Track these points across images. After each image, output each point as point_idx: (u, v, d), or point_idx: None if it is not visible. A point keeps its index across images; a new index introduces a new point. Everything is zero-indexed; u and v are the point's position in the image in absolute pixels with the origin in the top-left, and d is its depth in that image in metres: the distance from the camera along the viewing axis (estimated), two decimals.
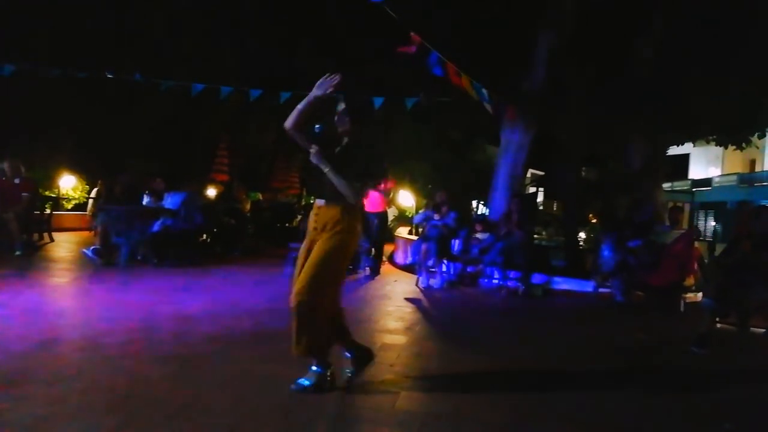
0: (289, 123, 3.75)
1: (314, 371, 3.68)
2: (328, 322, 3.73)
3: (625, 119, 11.17)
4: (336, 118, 3.86)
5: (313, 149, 3.71)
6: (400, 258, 12.00)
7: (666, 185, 15.33)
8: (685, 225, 9.02)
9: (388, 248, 11.89)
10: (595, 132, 12.35)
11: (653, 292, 8.07)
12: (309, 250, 3.72)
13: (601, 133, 12.47)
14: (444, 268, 9.24)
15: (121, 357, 4.11)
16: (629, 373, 4.78)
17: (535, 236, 9.96)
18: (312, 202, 4.06)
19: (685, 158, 21.85)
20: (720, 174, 21.94)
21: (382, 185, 10.31)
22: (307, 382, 3.65)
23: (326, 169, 3.68)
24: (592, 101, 11.08)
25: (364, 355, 3.96)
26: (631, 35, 11.03)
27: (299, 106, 3.72)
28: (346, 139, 3.86)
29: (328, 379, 3.71)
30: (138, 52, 14.51)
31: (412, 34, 8.00)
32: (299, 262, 3.76)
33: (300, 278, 3.62)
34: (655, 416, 3.72)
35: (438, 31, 9.79)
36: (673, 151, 14.47)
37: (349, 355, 3.91)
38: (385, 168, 4.90)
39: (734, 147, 13.78)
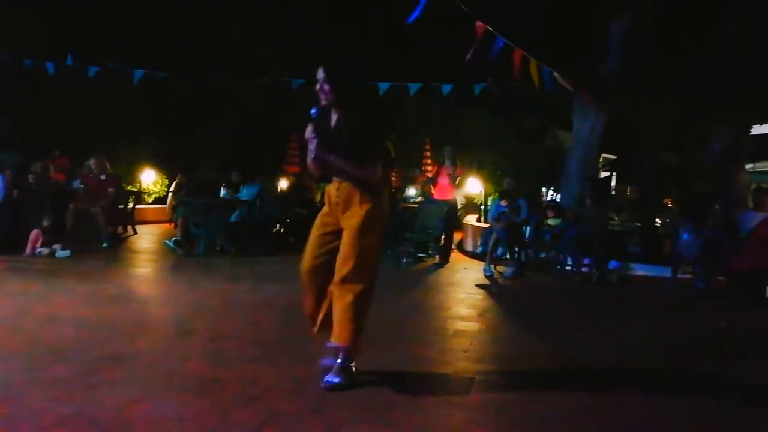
0: (316, 173, 3.77)
1: (343, 365, 3.49)
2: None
3: (709, 108, 10.72)
4: (317, 87, 3.55)
5: (312, 146, 3.56)
6: (469, 245, 11.96)
7: (749, 166, 14.59)
8: None
9: (457, 236, 11.87)
10: (674, 117, 11.92)
11: (736, 278, 7.75)
12: (326, 224, 3.62)
13: (680, 118, 12.01)
14: (515, 256, 9.15)
15: (206, 342, 4.30)
16: (710, 363, 4.62)
17: (610, 221, 9.70)
18: None
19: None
20: None
21: (452, 172, 10.30)
22: (337, 379, 3.42)
23: (332, 159, 3.53)
24: (669, 85, 10.70)
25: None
26: (715, 16, 10.55)
27: (310, 160, 3.66)
28: (337, 116, 3.60)
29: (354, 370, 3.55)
30: (215, 54, 14.99)
31: (477, 22, 7.93)
32: (313, 234, 3.66)
33: (343, 263, 3.46)
34: (732, 409, 3.61)
35: (509, 16, 9.67)
36: (756, 130, 13.75)
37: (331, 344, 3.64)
38: (387, 144, 4.55)
39: None
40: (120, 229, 11.58)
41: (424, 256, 9.89)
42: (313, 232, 3.69)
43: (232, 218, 9.82)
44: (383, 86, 11.13)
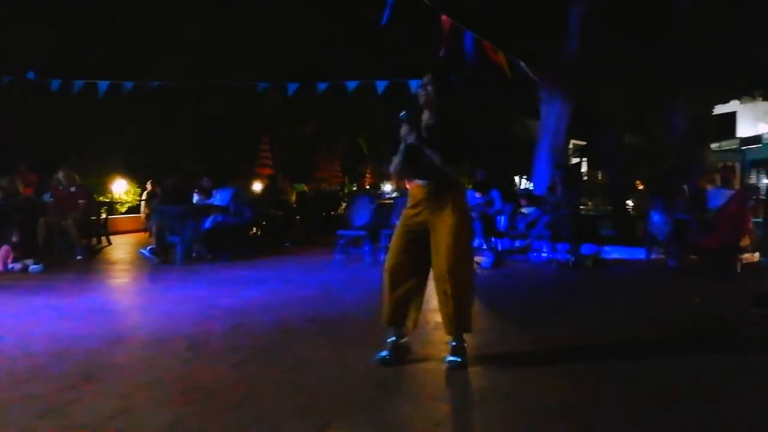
0: (399, 176, 4.14)
1: (459, 345, 3.82)
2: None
3: (667, 80, 10.93)
4: (420, 90, 3.98)
5: (407, 133, 3.85)
6: None
7: (714, 145, 14.90)
8: (736, 185, 8.82)
9: None
10: (637, 97, 12.11)
11: (708, 255, 7.94)
12: (416, 222, 3.87)
13: (643, 98, 12.22)
14: (491, 246, 9.25)
15: (185, 350, 4.28)
16: (687, 339, 4.74)
17: (582, 206, 9.86)
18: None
19: (732, 117, 21.14)
20: None
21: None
22: (459, 359, 3.77)
23: (428, 151, 3.81)
24: (631, 65, 10.86)
25: (402, 349, 3.97)
26: None
27: (398, 161, 3.94)
28: (434, 115, 3.94)
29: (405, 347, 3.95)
30: (179, 57, 14.86)
31: (443, 16, 7.98)
32: (401, 228, 3.93)
33: (446, 257, 3.75)
34: (712, 378, 3.71)
35: (468, 6, 9.73)
36: (719, 110, 14.03)
37: (394, 339, 3.94)
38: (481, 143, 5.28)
39: None
40: (94, 240, 11.43)
41: None
42: (397, 232, 3.96)
43: (207, 224, 9.76)
44: (351, 85, 11.13)
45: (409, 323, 3.96)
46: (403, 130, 3.88)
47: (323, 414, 3.06)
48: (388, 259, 3.95)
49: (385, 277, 3.92)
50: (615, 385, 3.58)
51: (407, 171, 4.00)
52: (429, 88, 3.93)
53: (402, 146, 3.92)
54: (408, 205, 4.01)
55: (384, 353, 3.89)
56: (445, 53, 8.49)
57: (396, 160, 3.97)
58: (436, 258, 3.83)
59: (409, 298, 3.92)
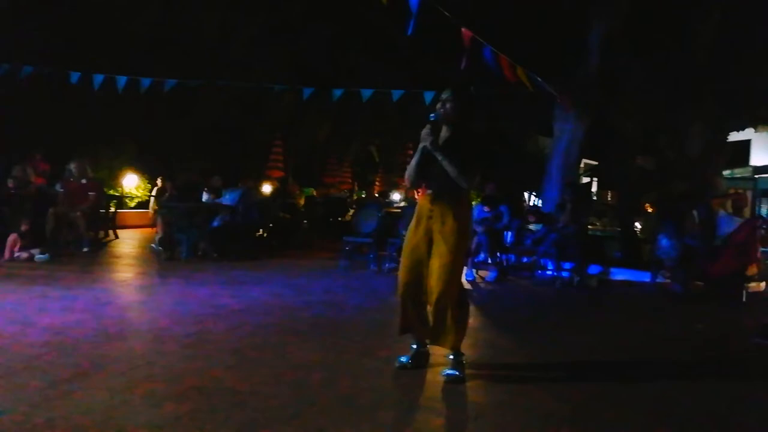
0: (411, 180, 4.07)
1: (457, 359, 3.85)
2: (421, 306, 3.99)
3: (683, 105, 10.91)
4: (439, 104, 3.99)
5: (426, 136, 3.86)
6: None
7: (726, 172, 14.83)
8: (747, 213, 8.78)
9: None
10: (652, 119, 12.09)
11: (714, 282, 7.89)
12: (423, 237, 3.91)
13: (657, 120, 12.19)
14: (497, 261, 9.22)
15: (185, 348, 4.28)
16: (688, 365, 4.71)
17: (590, 226, 9.83)
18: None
19: (746, 144, 21.05)
20: None
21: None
22: (456, 372, 3.79)
23: (440, 157, 3.83)
24: (648, 88, 10.85)
25: (422, 357, 4.07)
26: (687, 17, 10.74)
27: (413, 163, 3.97)
28: (452, 128, 3.98)
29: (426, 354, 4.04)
30: (195, 57, 14.97)
31: (463, 29, 7.99)
32: (408, 246, 3.97)
33: (439, 276, 3.78)
34: (711, 406, 3.68)
35: (489, 23, 9.75)
36: (734, 137, 13.97)
37: (416, 347, 4.04)
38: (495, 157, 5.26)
39: None
40: (101, 233, 11.50)
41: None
42: (405, 248, 4.01)
43: (215, 223, 9.79)
44: (366, 93, 11.15)
45: (426, 338, 4.02)
46: (424, 133, 3.88)
47: (318, 419, 3.06)
48: (400, 276, 4.01)
49: (398, 297, 4.01)
50: (612, 405, 3.55)
51: (421, 177, 4.01)
52: (449, 104, 3.95)
53: (420, 148, 3.94)
54: (417, 214, 4.03)
55: (404, 358, 3.99)
56: (467, 65, 8.49)
57: (411, 164, 4.01)
58: (431, 272, 3.86)
59: (423, 315, 4.00)
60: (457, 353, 3.88)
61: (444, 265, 3.79)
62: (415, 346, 4.04)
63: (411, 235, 4.00)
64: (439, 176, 3.88)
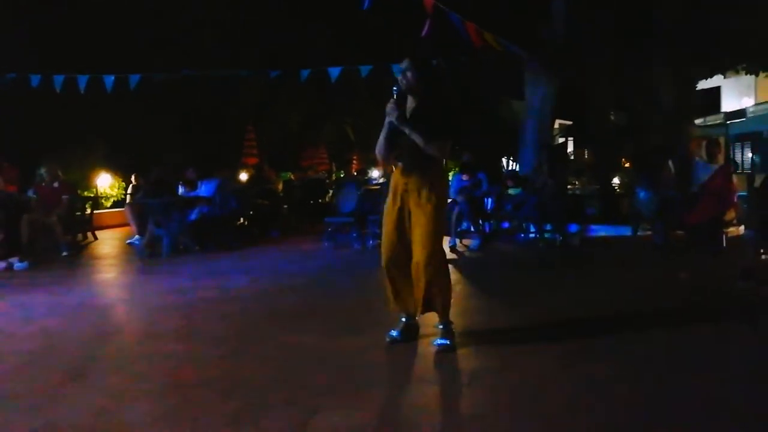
0: (382, 156, 4.06)
1: (446, 328, 3.87)
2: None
3: (651, 56, 10.93)
4: (401, 76, 3.95)
5: (391, 111, 3.85)
6: None
7: (698, 120, 14.96)
8: (721, 159, 8.86)
9: None
10: (621, 74, 12.12)
11: (693, 230, 7.97)
12: (401, 211, 3.92)
13: (627, 75, 12.23)
14: (479, 228, 9.25)
15: (173, 342, 4.26)
16: (673, 312, 4.78)
17: (569, 186, 9.89)
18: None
19: (716, 91, 21.24)
20: (754, 104, 21.35)
21: None
22: (447, 341, 3.80)
23: (407, 130, 3.81)
24: (614, 42, 10.85)
25: (412, 329, 4.07)
26: None
27: (381, 137, 3.96)
28: (417, 99, 3.95)
29: (416, 327, 4.05)
30: (159, 47, 14.71)
31: None
32: (388, 221, 3.97)
33: (422, 245, 3.79)
34: (699, 351, 3.74)
35: None
36: (703, 85, 14.07)
37: (405, 320, 4.04)
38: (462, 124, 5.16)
39: (767, 74, 13.36)
40: (79, 236, 11.34)
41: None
42: (385, 225, 4.01)
43: (193, 215, 9.69)
44: (334, 72, 11.04)
45: (416, 309, 4.00)
46: (389, 107, 3.87)
47: (312, 400, 3.05)
48: (383, 254, 4.01)
49: (384, 272, 4.01)
50: (603, 361, 3.58)
51: (391, 151, 4.01)
52: (408, 73, 3.90)
53: (386, 123, 3.92)
54: (391, 189, 4.02)
55: (394, 333, 3.99)
56: (428, 33, 8.41)
57: (380, 139, 4.00)
58: (413, 245, 3.87)
59: (409, 287, 3.98)
60: (446, 322, 3.89)
61: (425, 234, 3.79)
62: (404, 320, 4.04)
63: (389, 210, 4.00)
64: (409, 149, 3.87)
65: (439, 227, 3.91)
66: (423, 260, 3.79)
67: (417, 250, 3.83)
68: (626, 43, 10.85)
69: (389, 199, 4.02)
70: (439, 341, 3.82)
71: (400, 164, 3.98)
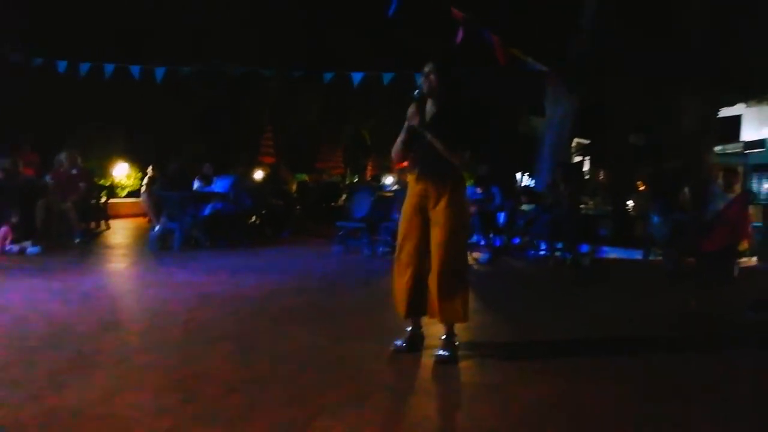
0: (397, 158, 4.07)
1: (449, 340, 3.84)
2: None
3: (674, 81, 10.90)
4: (423, 78, 3.90)
5: (412, 115, 3.84)
6: None
7: (718, 148, 14.86)
8: (738, 188, 8.81)
9: None
10: (643, 96, 12.08)
11: (705, 258, 7.91)
12: (419, 217, 3.89)
13: (649, 97, 12.19)
14: (490, 242, 9.24)
15: (181, 336, 4.30)
16: (681, 340, 4.74)
17: (582, 205, 9.86)
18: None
19: (736, 120, 21.10)
20: None
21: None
22: (448, 353, 3.78)
23: (428, 136, 3.79)
24: (639, 64, 10.82)
25: (417, 339, 4.04)
26: None
27: (399, 140, 3.96)
28: (438, 104, 3.91)
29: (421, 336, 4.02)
30: (182, 42, 14.84)
31: (453, 9, 7.95)
32: (405, 227, 3.94)
33: (442, 251, 3.76)
34: (705, 380, 3.71)
35: (480, 3, 9.69)
36: (725, 113, 13.99)
37: (411, 329, 4.02)
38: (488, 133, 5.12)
39: None
40: (93, 224, 11.44)
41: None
42: (402, 225, 3.98)
43: (206, 211, 9.75)
44: (356, 77, 11.09)
45: (426, 313, 3.99)
46: (410, 111, 3.87)
47: (314, 403, 3.06)
48: (398, 253, 3.99)
49: (399, 279, 3.96)
50: (607, 381, 3.57)
51: (407, 153, 4.02)
52: (432, 76, 3.86)
53: (405, 126, 3.91)
54: (408, 194, 4.01)
55: (400, 342, 3.97)
56: (461, 41, 8.44)
57: (397, 142, 3.98)
58: (432, 251, 3.83)
59: (422, 289, 3.94)
60: (450, 334, 3.87)
61: (445, 241, 3.77)
62: (409, 329, 4.03)
63: (407, 216, 3.96)
64: (430, 155, 3.84)
65: (461, 234, 3.88)
66: (442, 266, 3.76)
67: (436, 256, 3.80)
68: (651, 64, 10.82)
69: (407, 205, 3.99)
70: (441, 352, 3.80)
71: (418, 169, 3.94)
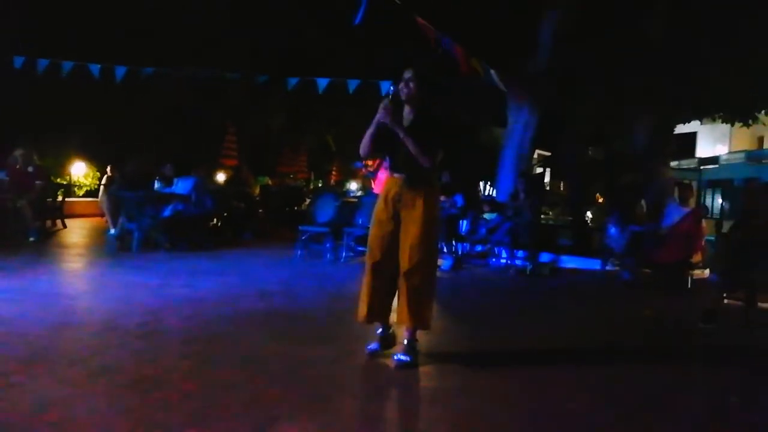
0: (364, 152, 4.02)
1: (410, 344, 3.84)
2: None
3: (631, 97, 11.17)
4: (401, 84, 3.89)
5: (384, 111, 3.80)
6: None
7: (673, 163, 15.28)
8: (693, 203, 9.09)
9: None
10: (602, 111, 12.35)
11: (660, 269, 8.13)
12: (391, 219, 3.89)
13: (607, 112, 12.47)
14: (452, 249, 9.32)
15: (136, 339, 4.20)
16: (635, 348, 4.87)
17: (542, 216, 10.03)
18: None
19: (692, 136, 21.75)
20: (727, 152, 21.87)
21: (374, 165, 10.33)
22: (408, 358, 3.78)
23: (401, 134, 3.79)
24: (598, 80, 11.06)
25: (390, 340, 4.05)
26: (638, 11, 10.97)
27: (368, 135, 3.91)
28: (415, 110, 3.92)
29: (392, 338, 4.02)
30: (146, 41, 14.62)
31: (418, 18, 8.01)
32: (376, 228, 3.93)
33: (413, 252, 3.76)
34: (659, 388, 3.80)
35: (441, 13, 9.78)
36: (680, 129, 14.39)
37: (381, 331, 4.02)
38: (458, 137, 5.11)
39: (741, 124, 13.73)
40: (49, 223, 11.18)
41: (365, 251, 9.92)
42: (373, 229, 3.97)
43: (166, 212, 9.60)
44: (322, 83, 11.08)
45: (392, 317, 4.02)
46: (382, 106, 3.83)
47: (272, 408, 3.04)
48: (369, 257, 3.98)
49: (366, 283, 3.96)
50: (562, 388, 3.63)
51: (374, 150, 4.03)
52: (411, 84, 3.87)
53: (376, 121, 3.87)
54: (380, 197, 4.00)
55: (373, 346, 3.98)
56: (443, 51, 8.50)
57: (366, 136, 3.94)
58: (402, 252, 3.83)
59: (388, 294, 3.98)
60: (411, 339, 3.87)
61: (416, 242, 3.77)
62: (380, 331, 4.02)
63: (378, 217, 3.96)
64: (403, 156, 3.86)
65: (432, 236, 3.86)
66: (412, 268, 3.77)
67: (405, 258, 3.80)
68: (610, 80, 11.07)
69: (379, 206, 3.99)
70: (400, 357, 3.81)
71: (391, 171, 3.98)
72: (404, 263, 3.80)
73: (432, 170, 3.91)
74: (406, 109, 3.96)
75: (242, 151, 20.98)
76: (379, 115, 3.84)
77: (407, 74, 3.89)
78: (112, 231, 9.32)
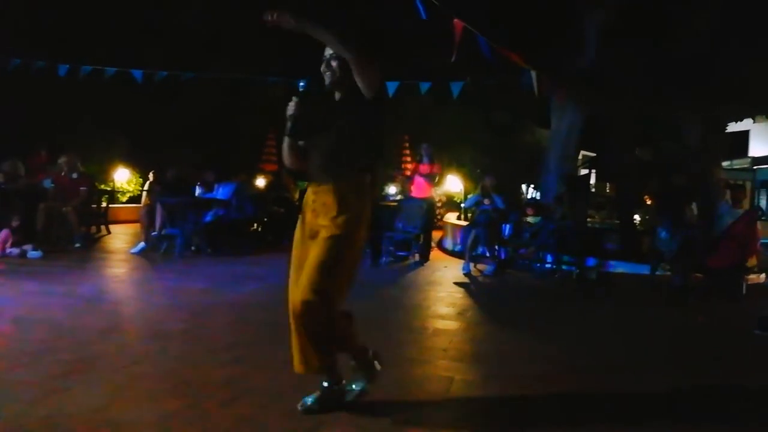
0: (294, 165, 3.22)
1: (323, 386, 3.04)
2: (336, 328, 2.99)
3: (679, 96, 10.82)
4: (323, 67, 3.05)
5: (294, 111, 3.04)
6: (449, 244, 11.93)
7: (725, 163, 14.78)
8: (746, 204, 8.71)
9: (436, 234, 11.84)
10: (650, 110, 12.01)
11: (713, 274, 7.81)
12: (303, 239, 3.07)
13: (655, 111, 12.12)
14: (495, 254, 9.13)
15: (180, 344, 4.20)
16: (688, 356, 4.63)
17: (589, 219, 9.74)
18: None
19: (744, 135, 21.03)
20: None
21: (429, 170, 10.24)
22: (310, 400, 3.01)
23: (310, 26, 2.85)
24: (645, 79, 10.74)
25: (369, 361, 3.24)
26: (685, 6, 10.62)
27: (285, 146, 3.18)
28: (344, 93, 3.06)
29: (338, 394, 3.06)
30: (187, 48, 14.84)
31: (455, 20, 7.90)
32: (293, 255, 3.08)
33: (304, 280, 2.86)
34: (714, 397, 3.59)
35: (482, 14, 9.65)
36: (732, 128, 13.89)
37: (354, 362, 3.21)
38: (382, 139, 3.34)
39: None
40: (93, 228, 11.38)
41: (404, 255, 9.83)
42: (293, 257, 3.09)
43: (208, 217, 9.67)
44: (392, 86, 11.03)
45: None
46: (290, 107, 3.08)
47: (312, 417, 2.96)
48: (290, 290, 3.02)
49: (291, 322, 2.97)
50: (613, 399, 3.45)
51: (302, 157, 3.17)
52: (333, 63, 3.00)
53: (287, 127, 3.10)
54: (301, 213, 3.14)
55: (310, 400, 3.05)
56: (457, 58, 8.40)
57: (284, 146, 3.19)
58: (300, 276, 2.94)
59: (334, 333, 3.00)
60: (329, 380, 3.04)
61: (312, 268, 2.86)
62: (326, 384, 3.08)
63: (295, 240, 3.12)
64: (319, 154, 3.04)
65: (335, 261, 2.87)
66: (299, 302, 2.85)
67: (296, 288, 2.91)
68: (658, 78, 10.74)
69: (298, 227, 3.13)
70: (305, 399, 3.03)
71: (310, 176, 3.12)
72: (294, 294, 2.93)
73: (363, 169, 3.04)
74: (336, 95, 3.10)
75: (282, 157, 21.18)
76: (288, 110, 3.07)
77: (327, 52, 3.01)
78: (142, 244, 9.25)
